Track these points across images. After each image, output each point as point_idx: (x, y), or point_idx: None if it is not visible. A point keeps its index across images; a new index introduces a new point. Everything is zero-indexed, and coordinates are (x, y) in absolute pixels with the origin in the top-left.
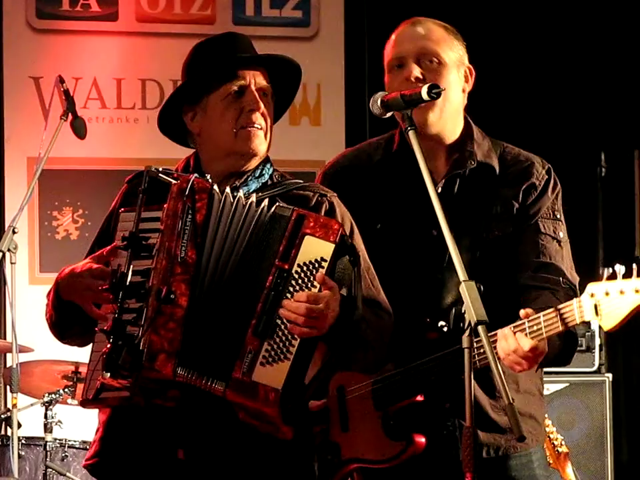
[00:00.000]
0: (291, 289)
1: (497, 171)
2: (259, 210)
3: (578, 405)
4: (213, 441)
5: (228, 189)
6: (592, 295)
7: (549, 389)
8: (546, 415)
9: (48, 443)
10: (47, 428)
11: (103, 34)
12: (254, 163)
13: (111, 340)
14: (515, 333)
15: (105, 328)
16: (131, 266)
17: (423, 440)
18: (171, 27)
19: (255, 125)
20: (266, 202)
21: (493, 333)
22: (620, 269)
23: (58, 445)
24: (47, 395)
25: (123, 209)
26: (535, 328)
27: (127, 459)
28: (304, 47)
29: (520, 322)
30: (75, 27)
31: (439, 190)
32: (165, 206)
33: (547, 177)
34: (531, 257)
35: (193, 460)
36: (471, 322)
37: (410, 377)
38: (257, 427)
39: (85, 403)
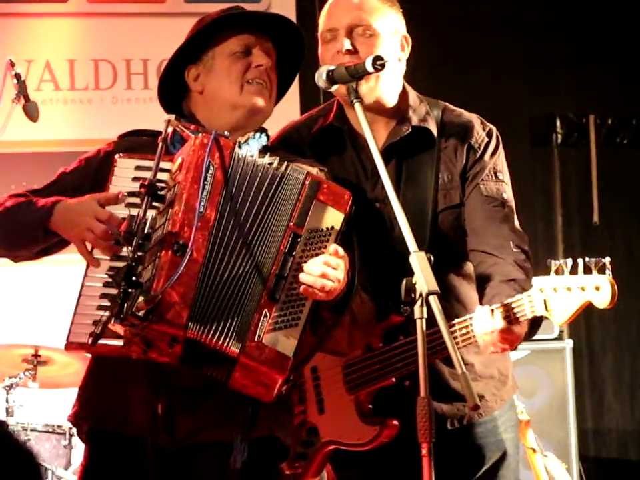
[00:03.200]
0: (302, 254)
1: (435, 133)
2: (273, 169)
3: (539, 372)
4: (192, 397)
5: (246, 149)
6: (541, 290)
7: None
8: None
9: (10, 427)
10: (9, 412)
11: (54, 15)
12: (256, 122)
13: (123, 286)
14: (492, 311)
15: (114, 274)
16: (150, 214)
17: (396, 423)
18: (122, 7)
19: (262, 80)
20: (277, 161)
21: (469, 316)
22: (566, 263)
23: (20, 429)
24: (7, 378)
25: (120, 155)
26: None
27: (106, 409)
28: None
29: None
30: (25, 10)
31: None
32: (184, 158)
33: (487, 138)
34: (477, 221)
35: (171, 415)
36: (422, 293)
37: (379, 362)
38: (244, 388)
39: (79, 346)
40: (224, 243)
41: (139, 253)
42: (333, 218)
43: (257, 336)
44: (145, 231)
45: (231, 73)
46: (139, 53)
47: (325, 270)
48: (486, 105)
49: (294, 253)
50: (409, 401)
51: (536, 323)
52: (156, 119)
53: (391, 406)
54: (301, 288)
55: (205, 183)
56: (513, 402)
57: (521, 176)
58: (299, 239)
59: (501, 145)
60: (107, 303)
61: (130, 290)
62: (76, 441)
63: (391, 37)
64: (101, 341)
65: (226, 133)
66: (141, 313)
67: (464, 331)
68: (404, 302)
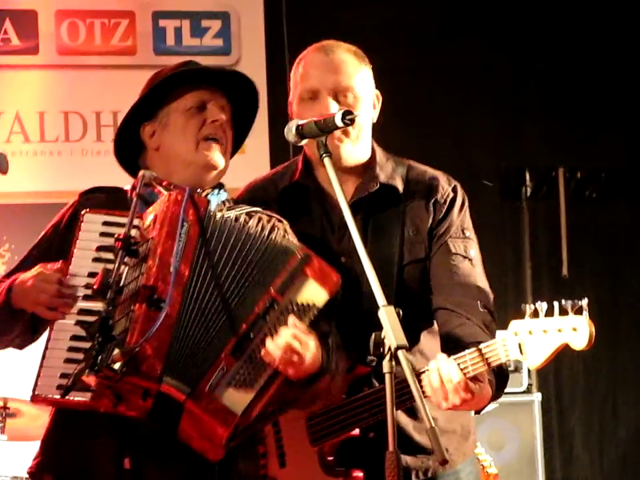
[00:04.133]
0: (276, 321)
1: (401, 190)
2: (252, 228)
3: (508, 425)
4: (160, 451)
5: (219, 208)
6: (515, 334)
7: None
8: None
9: None
10: None
11: (24, 67)
12: (212, 178)
13: (97, 339)
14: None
15: (88, 327)
16: (124, 268)
17: (360, 475)
18: (92, 59)
19: (217, 136)
20: (267, 224)
21: (425, 368)
22: (542, 306)
23: None
24: None
25: (88, 210)
26: (462, 367)
27: (69, 466)
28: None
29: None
30: None
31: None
32: (157, 214)
33: (452, 194)
34: (444, 278)
35: (139, 469)
36: (391, 347)
37: (343, 413)
38: (191, 440)
39: (46, 399)
40: (198, 300)
41: (110, 307)
42: (316, 295)
43: (209, 385)
44: (120, 285)
45: (186, 130)
46: (109, 105)
47: (293, 345)
48: (455, 157)
49: (267, 318)
50: (373, 451)
51: (502, 380)
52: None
53: (355, 457)
54: (263, 353)
55: (180, 239)
56: (474, 457)
57: (491, 228)
58: (275, 306)
59: (466, 201)
60: (75, 356)
61: (104, 342)
62: None
63: (368, 96)
64: (78, 394)
65: (198, 190)
66: (116, 366)
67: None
68: (372, 355)
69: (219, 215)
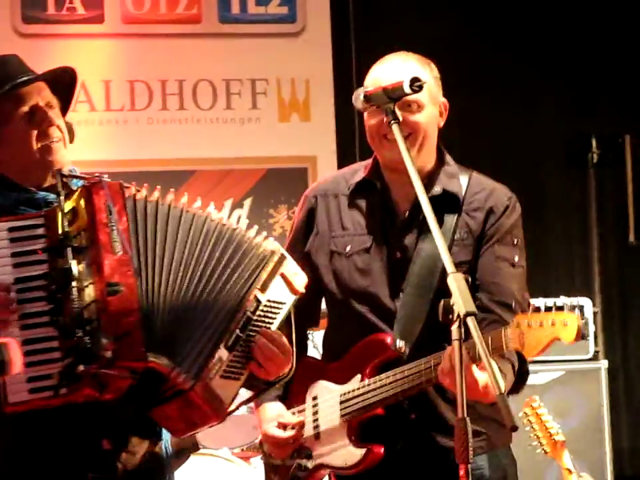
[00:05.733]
0: (259, 318)
1: (460, 197)
2: (145, 200)
3: (574, 393)
4: (137, 429)
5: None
6: (517, 325)
7: (545, 378)
8: (541, 404)
9: None
10: None
11: (90, 37)
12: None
13: (79, 333)
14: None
15: (61, 325)
16: (73, 261)
17: (380, 450)
18: (158, 28)
19: (54, 139)
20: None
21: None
22: (544, 302)
23: None
24: None
25: None
26: (470, 354)
27: (44, 457)
28: (291, 43)
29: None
30: (61, 31)
31: (406, 216)
32: (76, 206)
33: (507, 203)
34: (486, 278)
35: (120, 447)
36: (460, 314)
37: (374, 392)
38: (170, 419)
39: (25, 404)
40: (151, 277)
41: (76, 303)
42: (286, 295)
43: (208, 377)
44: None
45: (25, 142)
46: (174, 74)
47: (280, 342)
48: (523, 125)
49: (253, 316)
50: (394, 429)
51: (520, 378)
52: (191, 139)
53: (378, 434)
54: (253, 348)
55: (112, 224)
56: (509, 449)
57: (558, 196)
58: (260, 304)
59: (519, 213)
60: (34, 359)
61: (89, 334)
62: None
63: (434, 106)
64: (43, 394)
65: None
66: (109, 354)
67: (428, 366)
68: (442, 322)
69: (138, 195)
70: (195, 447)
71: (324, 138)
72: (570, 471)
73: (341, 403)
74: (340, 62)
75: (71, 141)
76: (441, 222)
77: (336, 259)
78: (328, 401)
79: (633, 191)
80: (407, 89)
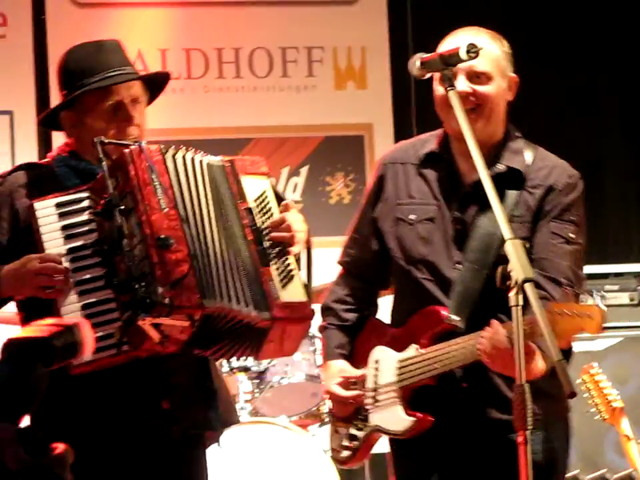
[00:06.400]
0: (261, 221)
1: (524, 173)
2: (198, 163)
3: (632, 359)
4: (196, 390)
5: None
6: (550, 312)
7: (603, 344)
8: (599, 370)
9: None
10: None
11: (146, 5)
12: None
13: (135, 286)
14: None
15: (117, 281)
16: (123, 223)
17: (430, 419)
18: None
19: (131, 137)
20: (197, 157)
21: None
22: (602, 269)
23: None
24: None
25: (34, 200)
26: (508, 334)
27: (107, 414)
28: (347, 10)
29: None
30: (117, 0)
31: (470, 190)
32: (122, 171)
33: (568, 181)
34: (540, 253)
35: (177, 409)
36: (518, 280)
37: (426, 362)
38: (277, 345)
39: (95, 364)
40: (195, 232)
41: (130, 259)
42: (260, 183)
43: (275, 298)
44: (123, 240)
45: (103, 133)
46: (230, 42)
47: (287, 224)
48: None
49: (257, 223)
50: (444, 400)
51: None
52: (247, 108)
53: (429, 403)
54: (277, 239)
55: (155, 184)
56: (567, 419)
57: (615, 161)
58: (250, 211)
59: (580, 192)
60: (95, 320)
61: (146, 286)
62: None
63: (502, 79)
64: (107, 352)
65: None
66: (167, 301)
67: (470, 343)
68: (499, 288)
69: (177, 155)
70: (236, 421)
71: (380, 105)
72: (629, 437)
73: (398, 369)
74: (396, 29)
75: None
76: (502, 198)
77: (400, 226)
78: (387, 365)
79: None
80: (464, 55)
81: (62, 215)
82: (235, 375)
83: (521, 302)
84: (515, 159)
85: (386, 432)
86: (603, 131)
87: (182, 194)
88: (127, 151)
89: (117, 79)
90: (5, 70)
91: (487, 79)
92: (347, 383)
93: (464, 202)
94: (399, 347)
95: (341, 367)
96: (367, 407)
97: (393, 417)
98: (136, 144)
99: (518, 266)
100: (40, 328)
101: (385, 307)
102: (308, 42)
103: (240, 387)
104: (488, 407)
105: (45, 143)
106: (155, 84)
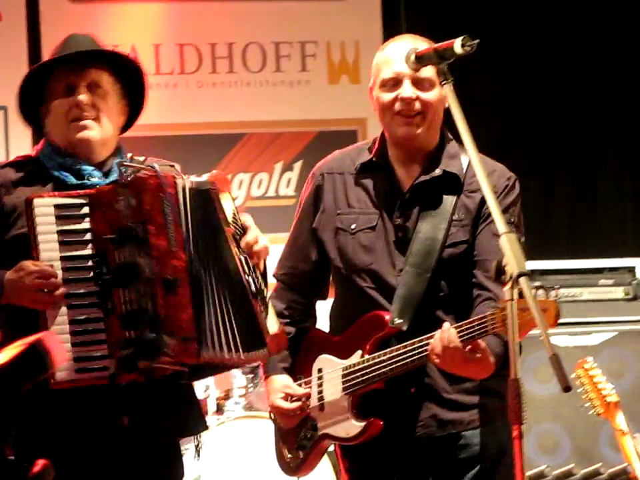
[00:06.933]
0: (241, 243)
1: (461, 177)
2: (194, 193)
3: (627, 353)
4: (156, 406)
5: (181, 179)
6: (503, 309)
7: (598, 339)
8: (594, 365)
9: None
10: None
11: (139, 0)
12: (100, 149)
13: (140, 326)
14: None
15: (127, 319)
16: (137, 258)
17: (380, 423)
18: None
19: (83, 118)
20: (189, 183)
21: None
22: (597, 264)
23: None
24: None
25: (33, 196)
26: (459, 335)
27: (69, 434)
28: (340, 5)
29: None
30: None
31: (407, 196)
32: (144, 195)
33: (506, 183)
34: (483, 255)
35: (138, 425)
36: (513, 274)
37: (372, 368)
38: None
39: (71, 383)
40: (196, 270)
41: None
42: (228, 199)
43: (267, 332)
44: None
45: (60, 116)
46: (223, 37)
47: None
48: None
49: (241, 249)
50: (392, 403)
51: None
52: (241, 103)
53: (377, 407)
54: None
55: (167, 217)
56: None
57: (609, 155)
58: (236, 236)
59: (518, 193)
60: (80, 339)
61: (154, 331)
62: None
63: (440, 86)
64: (92, 375)
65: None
66: (171, 353)
67: (423, 345)
68: (495, 281)
69: (186, 185)
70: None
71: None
72: (624, 432)
73: (343, 376)
74: (389, 23)
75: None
76: (439, 203)
77: (341, 236)
78: (331, 374)
79: None
80: (458, 49)
81: (60, 218)
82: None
83: (515, 296)
84: (452, 163)
85: (335, 439)
86: (597, 126)
87: (188, 232)
88: (144, 176)
89: (68, 54)
90: None
91: (430, 86)
92: (290, 397)
93: (404, 208)
94: (342, 355)
95: (284, 382)
96: (314, 416)
97: (342, 424)
98: (152, 168)
99: (513, 260)
100: (1, 356)
101: (323, 314)
102: (301, 37)
103: (234, 381)
104: (438, 408)
105: (39, 139)
106: (126, 74)
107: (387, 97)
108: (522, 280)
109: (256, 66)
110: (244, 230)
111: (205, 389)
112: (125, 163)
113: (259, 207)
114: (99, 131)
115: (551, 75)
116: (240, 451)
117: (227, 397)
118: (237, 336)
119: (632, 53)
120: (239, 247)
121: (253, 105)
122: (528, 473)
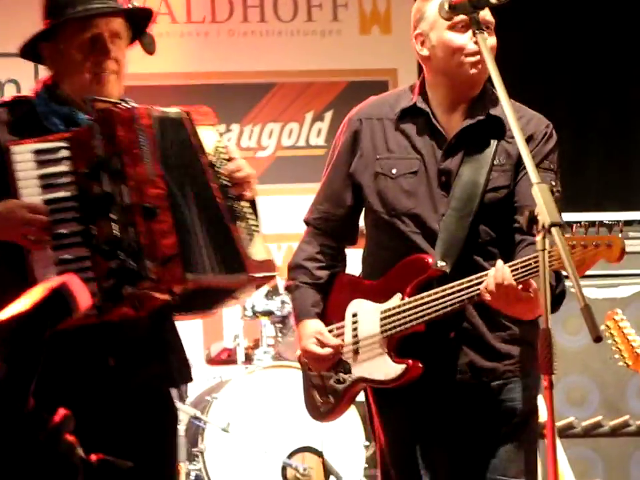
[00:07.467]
0: (221, 173)
1: (505, 124)
2: (161, 119)
3: None
4: (141, 349)
5: (154, 109)
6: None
7: (627, 291)
8: (624, 317)
9: None
10: None
11: None
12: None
13: (121, 255)
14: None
15: (106, 247)
16: (111, 186)
17: (421, 366)
18: None
19: (107, 71)
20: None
21: (484, 273)
22: (585, 223)
23: None
24: None
25: (11, 144)
26: (513, 273)
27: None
28: None
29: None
30: None
31: (452, 141)
32: (118, 128)
33: (545, 130)
34: (524, 202)
35: (123, 366)
36: (545, 224)
37: (415, 310)
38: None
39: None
40: (178, 196)
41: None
42: (212, 134)
43: (248, 256)
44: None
45: (80, 66)
46: None
47: (248, 172)
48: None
49: (220, 177)
50: (433, 347)
51: (558, 299)
52: (271, 52)
53: (418, 350)
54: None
55: (142, 147)
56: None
57: None
58: (212, 165)
59: (556, 140)
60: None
61: (135, 257)
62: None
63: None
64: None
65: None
66: (154, 277)
67: (471, 286)
68: (526, 232)
69: (159, 115)
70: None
71: (405, 51)
72: None
73: (382, 319)
74: None
75: (152, 52)
76: (483, 147)
77: (381, 180)
78: (368, 317)
79: None
80: None
81: (40, 163)
82: (259, 319)
83: (547, 246)
84: (495, 109)
85: (372, 381)
86: (631, 76)
87: (166, 161)
88: (116, 110)
89: (98, 10)
90: None
91: (492, 30)
92: (321, 341)
93: (447, 153)
94: (379, 298)
95: (317, 327)
96: (348, 360)
97: (380, 366)
98: (125, 104)
99: (544, 210)
100: (25, 301)
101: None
102: None
103: (263, 331)
104: (475, 354)
105: None
106: (138, 21)
107: (460, 38)
108: (554, 230)
109: (287, 15)
110: (229, 161)
111: (234, 338)
112: (94, 98)
113: (290, 157)
114: (118, 85)
115: (587, 22)
116: (268, 400)
117: (255, 346)
118: (217, 258)
119: None
120: (217, 174)
121: (284, 54)
122: (556, 424)
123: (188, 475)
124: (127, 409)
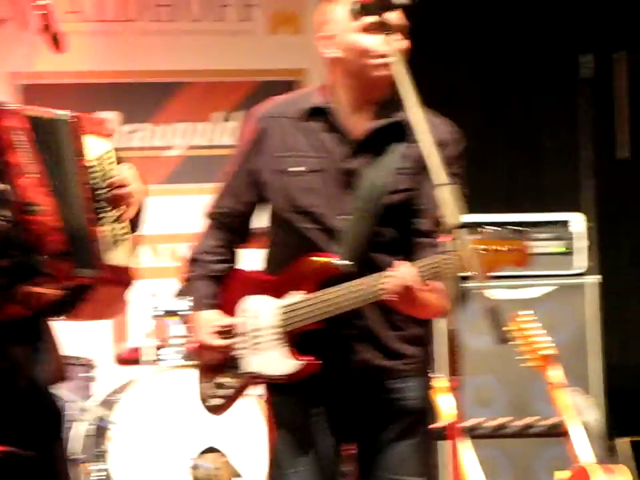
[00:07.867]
0: (96, 180)
1: (410, 128)
2: (49, 122)
3: (565, 308)
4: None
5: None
6: (472, 250)
7: (536, 292)
8: (531, 317)
9: None
10: None
11: None
12: None
13: (17, 255)
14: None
15: None
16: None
17: (319, 363)
18: None
19: None
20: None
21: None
22: (536, 218)
23: None
24: None
25: None
26: (418, 272)
27: None
28: None
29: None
30: None
31: (358, 142)
32: None
33: (452, 136)
34: (430, 205)
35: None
36: (450, 225)
37: (317, 305)
38: (101, 306)
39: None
40: (59, 196)
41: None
42: (102, 144)
43: (99, 258)
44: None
45: None
46: None
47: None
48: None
49: (94, 181)
50: (332, 343)
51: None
52: (181, 50)
53: (315, 347)
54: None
55: (22, 147)
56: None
57: (549, 111)
58: (89, 169)
59: (464, 147)
60: None
61: (26, 253)
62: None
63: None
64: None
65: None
66: (47, 271)
67: (379, 281)
68: (427, 235)
69: (36, 115)
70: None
71: (314, 51)
72: (557, 385)
73: (282, 314)
74: None
75: (62, 50)
76: (387, 150)
77: (284, 178)
78: (265, 312)
79: (629, 105)
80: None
81: None
82: (168, 318)
83: (452, 247)
84: (401, 112)
85: (266, 377)
86: (535, 79)
87: (45, 158)
88: None
89: None
90: None
91: (404, 33)
92: (217, 333)
93: (352, 153)
94: (280, 294)
95: (211, 317)
96: (242, 353)
97: (276, 361)
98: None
99: (449, 212)
100: None
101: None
102: None
103: (172, 331)
104: (370, 352)
105: None
106: None
107: (368, 40)
108: (459, 231)
109: (198, 15)
110: (109, 172)
111: (143, 338)
112: None
113: (199, 157)
114: None
115: (496, 17)
116: (176, 400)
117: (165, 346)
118: (82, 255)
119: None
120: (92, 178)
121: (194, 53)
122: (463, 424)
123: (90, 475)
124: (8, 409)
